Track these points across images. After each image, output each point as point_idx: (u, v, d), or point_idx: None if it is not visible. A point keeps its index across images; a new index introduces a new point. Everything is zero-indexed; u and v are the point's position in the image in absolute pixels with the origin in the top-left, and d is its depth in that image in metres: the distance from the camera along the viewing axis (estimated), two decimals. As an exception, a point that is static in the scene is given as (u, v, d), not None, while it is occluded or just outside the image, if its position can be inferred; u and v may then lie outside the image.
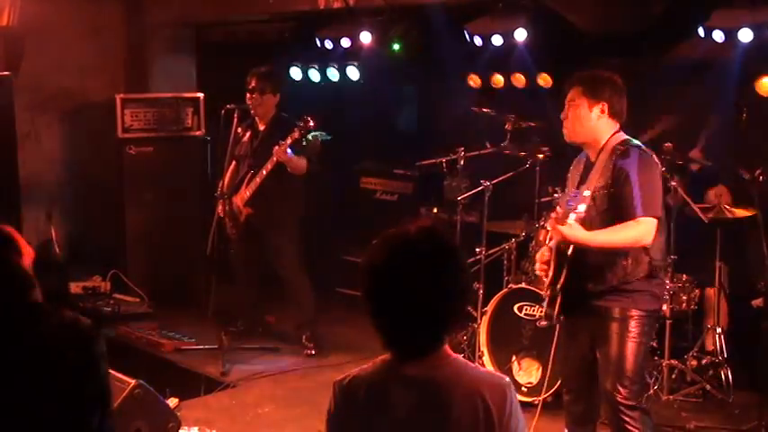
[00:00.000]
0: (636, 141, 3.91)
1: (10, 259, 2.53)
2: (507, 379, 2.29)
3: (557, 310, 3.92)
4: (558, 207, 3.99)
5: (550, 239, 3.96)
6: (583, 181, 3.96)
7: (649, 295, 3.92)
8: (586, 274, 3.87)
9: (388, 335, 2.23)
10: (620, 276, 3.83)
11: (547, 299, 3.97)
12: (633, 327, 3.84)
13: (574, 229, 3.70)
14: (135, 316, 7.06)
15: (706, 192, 5.75)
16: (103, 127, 7.69)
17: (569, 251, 3.81)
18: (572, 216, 3.72)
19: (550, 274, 3.95)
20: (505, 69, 6.85)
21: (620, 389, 3.80)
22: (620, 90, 3.94)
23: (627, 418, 3.81)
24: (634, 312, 3.85)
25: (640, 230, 3.74)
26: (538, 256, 4.11)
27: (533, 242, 5.76)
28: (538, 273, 4.10)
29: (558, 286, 3.89)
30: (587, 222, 3.77)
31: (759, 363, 5.12)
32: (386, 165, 7.56)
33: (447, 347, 2.26)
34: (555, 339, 4.36)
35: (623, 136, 3.92)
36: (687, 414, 5.22)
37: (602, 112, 3.89)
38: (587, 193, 3.76)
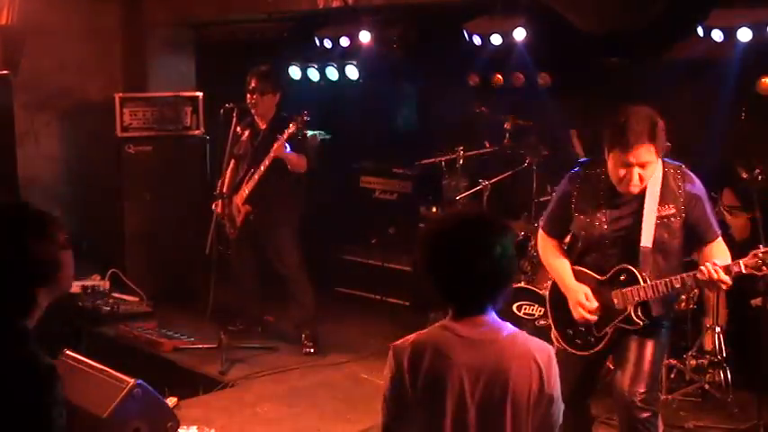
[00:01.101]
0: (667, 158, 3.82)
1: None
2: (550, 345, 2.61)
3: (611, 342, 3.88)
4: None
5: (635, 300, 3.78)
6: (625, 210, 3.78)
7: (672, 307, 3.98)
8: (659, 306, 3.80)
9: (446, 296, 2.55)
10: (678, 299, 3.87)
11: (607, 336, 3.87)
12: (656, 333, 3.83)
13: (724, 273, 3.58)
14: (134, 315, 7.05)
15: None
16: (102, 126, 7.69)
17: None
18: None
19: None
20: (504, 69, 6.85)
21: (639, 392, 3.74)
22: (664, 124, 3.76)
23: (640, 425, 3.76)
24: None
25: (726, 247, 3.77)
26: (583, 301, 3.84)
27: (532, 242, 5.76)
28: (581, 321, 3.87)
29: (634, 326, 3.79)
30: (665, 249, 3.72)
31: (758, 362, 5.12)
32: (385, 164, 7.56)
33: (495, 314, 2.56)
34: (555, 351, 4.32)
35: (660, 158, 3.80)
36: (686, 413, 5.22)
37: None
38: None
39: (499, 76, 6.96)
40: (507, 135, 6.07)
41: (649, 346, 3.80)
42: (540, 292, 5.24)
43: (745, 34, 5.36)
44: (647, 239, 3.70)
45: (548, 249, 4.05)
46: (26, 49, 7.44)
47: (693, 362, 5.50)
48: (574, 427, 4.12)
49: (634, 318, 3.76)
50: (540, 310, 5.27)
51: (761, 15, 5.31)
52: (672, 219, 3.72)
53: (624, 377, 3.79)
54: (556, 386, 2.53)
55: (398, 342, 2.56)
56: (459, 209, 2.55)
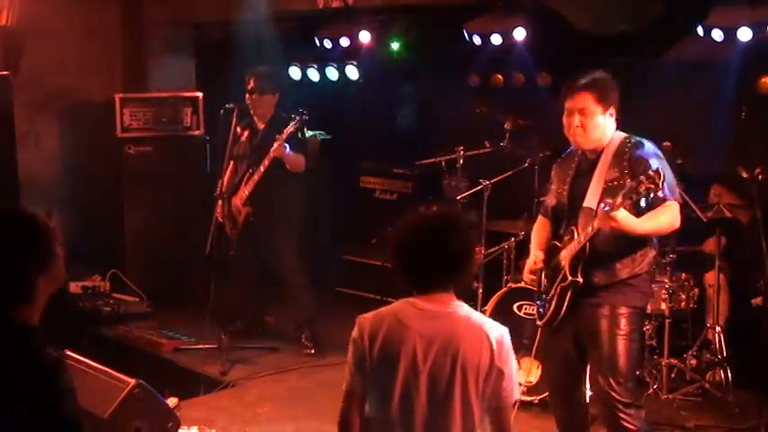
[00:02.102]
0: (636, 136, 3.94)
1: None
2: (506, 329, 2.81)
3: (564, 307, 3.95)
4: (587, 207, 3.89)
5: (573, 239, 3.91)
6: (581, 176, 3.98)
7: (640, 292, 3.95)
8: (596, 268, 3.87)
9: (410, 277, 2.80)
10: (629, 270, 3.86)
11: (554, 298, 3.98)
12: (623, 324, 3.86)
13: (628, 217, 3.67)
14: (134, 316, 7.05)
15: (709, 189, 5.74)
16: (102, 126, 7.69)
17: (587, 247, 3.82)
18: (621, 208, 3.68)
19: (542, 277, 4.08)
20: (505, 69, 6.85)
21: (615, 386, 3.80)
22: (618, 89, 3.96)
23: (623, 416, 3.81)
24: (623, 309, 3.87)
25: (674, 214, 3.80)
26: (529, 263, 4.14)
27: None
28: (526, 280, 4.20)
29: (567, 283, 3.91)
30: None
31: (758, 362, 5.12)
32: (385, 164, 7.56)
33: (455, 296, 2.81)
34: (538, 337, 4.40)
35: (621, 132, 3.97)
36: (686, 413, 5.22)
37: (611, 115, 3.92)
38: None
39: (499, 76, 6.97)
40: (507, 135, 6.06)
41: (619, 340, 3.84)
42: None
43: (745, 34, 5.36)
44: (589, 201, 3.88)
45: (534, 227, 4.34)
46: (26, 49, 7.44)
47: (694, 361, 5.51)
48: (567, 418, 4.16)
49: (567, 273, 3.90)
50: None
51: (761, 15, 5.31)
52: (616, 182, 3.82)
53: (598, 372, 3.87)
54: (507, 363, 2.73)
55: (365, 314, 2.84)
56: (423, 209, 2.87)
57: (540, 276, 4.14)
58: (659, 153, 3.92)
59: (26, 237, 2.46)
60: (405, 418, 2.72)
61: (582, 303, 3.93)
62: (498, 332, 2.76)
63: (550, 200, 4.19)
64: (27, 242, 2.46)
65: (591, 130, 3.89)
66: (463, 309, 2.81)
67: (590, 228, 3.78)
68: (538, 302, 4.22)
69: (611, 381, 3.81)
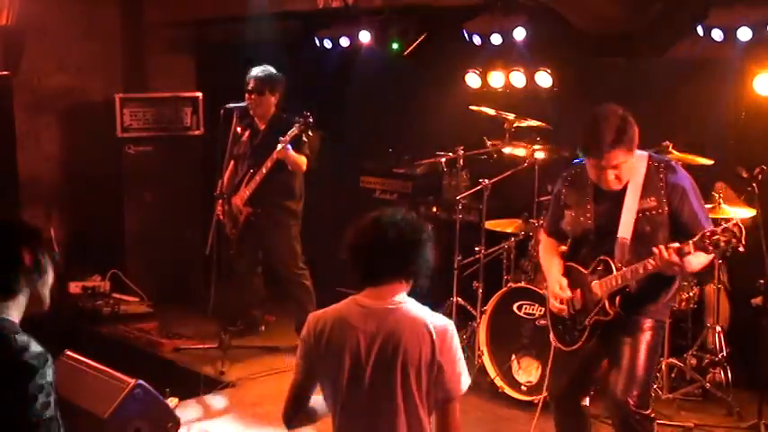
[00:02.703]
0: (655, 154, 3.87)
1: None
2: (451, 322, 2.89)
3: (596, 336, 3.90)
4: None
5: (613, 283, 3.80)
6: (606, 201, 3.84)
7: (667, 306, 3.97)
8: (642, 299, 3.81)
9: (357, 270, 2.92)
10: (670, 294, 3.86)
11: (587, 329, 3.91)
12: (648, 336, 3.83)
13: (696, 264, 3.60)
14: (134, 316, 7.06)
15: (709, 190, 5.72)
16: (102, 126, 7.69)
17: (634, 283, 3.74)
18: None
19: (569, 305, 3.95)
20: (505, 68, 6.84)
21: (634, 396, 3.76)
22: (633, 119, 3.78)
23: (638, 426, 3.77)
24: (649, 322, 3.84)
25: None
26: (557, 292, 3.95)
27: (532, 241, 5.76)
28: (553, 309, 3.99)
29: (609, 317, 3.82)
30: (648, 242, 3.67)
31: (758, 361, 5.12)
32: (386, 164, 7.55)
33: (404, 292, 2.90)
34: (551, 355, 4.31)
35: (640, 151, 3.84)
36: (687, 412, 5.23)
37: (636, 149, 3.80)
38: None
39: (499, 76, 6.95)
40: (507, 135, 6.06)
41: (642, 351, 3.81)
42: (541, 292, 5.25)
43: (745, 34, 5.35)
44: (623, 231, 3.76)
45: (543, 247, 4.20)
46: (26, 50, 7.43)
47: (694, 361, 5.51)
48: (568, 425, 4.15)
49: (608, 308, 3.81)
50: (541, 310, 5.27)
51: (761, 15, 5.31)
52: (654, 211, 3.74)
53: (618, 383, 3.81)
54: (450, 356, 2.81)
55: (315, 312, 2.98)
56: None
57: (570, 305, 3.96)
58: (688, 174, 3.83)
59: (17, 242, 2.57)
60: (352, 415, 2.85)
61: (614, 326, 3.86)
62: (442, 326, 2.82)
63: (570, 226, 3.98)
64: (16, 247, 2.56)
65: (626, 175, 3.76)
66: (407, 304, 2.87)
67: (641, 269, 3.65)
68: (559, 327, 4.06)
69: (632, 391, 3.76)
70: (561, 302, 3.93)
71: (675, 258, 3.51)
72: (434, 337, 2.79)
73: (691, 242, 3.47)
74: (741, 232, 3.37)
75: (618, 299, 3.78)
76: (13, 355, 2.42)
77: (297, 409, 3.01)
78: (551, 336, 4.11)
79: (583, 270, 3.92)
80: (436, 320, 2.85)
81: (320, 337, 2.88)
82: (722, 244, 3.40)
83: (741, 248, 3.53)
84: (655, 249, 3.57)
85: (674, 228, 3.73)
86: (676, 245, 3.54)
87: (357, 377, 2.82)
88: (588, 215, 3.88)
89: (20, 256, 2.54)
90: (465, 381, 2.85)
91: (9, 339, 2.45)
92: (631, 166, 3.74)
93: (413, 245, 2.87)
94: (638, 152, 3.81)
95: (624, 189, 3.78)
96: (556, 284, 3.96)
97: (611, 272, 3.77)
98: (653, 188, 3.75)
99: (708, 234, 3.42)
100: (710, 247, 3.42)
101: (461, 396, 2.86)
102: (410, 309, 2.87)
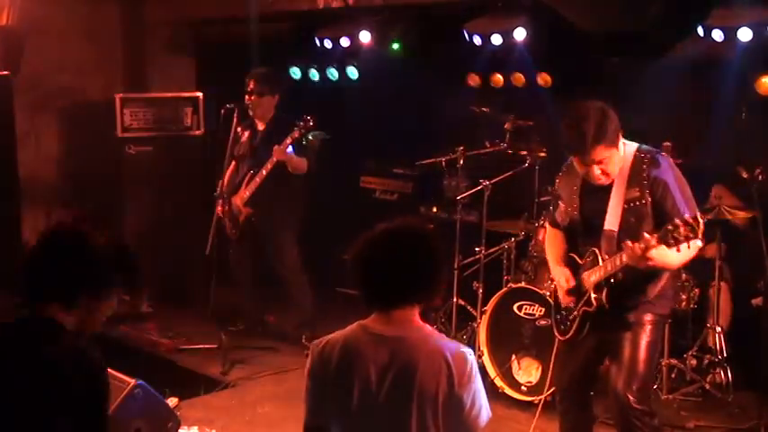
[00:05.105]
0: (645, 146, 3.88)
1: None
2: (471, 350, 2.63)
3: (587, 327, 3.91)
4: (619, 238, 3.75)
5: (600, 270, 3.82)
6: (592, 193, 3.87)
7: (667, 299, 3.96)
8: (626, 292, 3.82)
9: (368, 293, 2.64)
10: (657, 289, 3.85)
11: (578, 318, 3.94)
12: (649, 331, 3.84)
13: (663, 255, 3.56)
14: (135, 316, 7.05)
15: (709, 190, 5.73)
16: (103, 126, 7.69)
17: (613, 276, 3.76)
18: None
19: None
20: (505, 69, 6.85)
21: (634, 392, 3.78)
22: (614, 112, 3.78)
23: (637, 422, 3.79)
24: (649, 317, 3.85)
25: (698, 246, 3.69)
26: (562, 283, 3.99)
27: (533, 241, 5.77)
28: (564, 303, 4.02)
29: (593, 308, 3.85)
30: (634, 234, 3.66)
31: (759, 362, 5.12)
32: (386, 164, 7.56)
33: (417, 317, 2.63)
34: (555, 349, 4.33)
35: (630, 142, 3.87)
36: (687, 413, 5.23)
37: (620, 141, 3.80)
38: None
39: (499, 76, 6.96)
40: (507, 135, 6.06)
41: (642, 347, 3.83)
42: (541, 292, 5.25)
43: (745, 34, 5.36)
44: (610, 223, 3.80)
45: (547, 238, 4.27)
46: (26, 49, 7.43)
47: (694, 361, 5.51)
48: (574, 422, 4.16)
49: (592, 299, 3.84)
50: (541, 310, 5.27)
51: (761, 15, 5.31)
52: (637, 202, 3.76)
53: (618, 378, 3.83)
54: (469, 389, 2.55)
55: (317, 341, 2.72)
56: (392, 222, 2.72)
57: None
58: (674, 167, 3.84)
59: (85, 254, 2.54)
60: None
61: (606, 318, 3.87)
62: (460, 356, 2.56)
63: (561, 218, 4.05)
64: (85, 259, 2.53)
65: (613, 170, 3.79)
66: (421, 331, 2.61)
67: (618, 260, 3.68)
68: (557, 316, 4.12)
69: (632, 386, 3.78)
70: (568, 294, 3.97)
71: (639, 252, 3.52)
72: (453, 368, 2.52)
73: (655, 236, 3.49)
74: (698, 226, 3.36)
75: (605, 291, 3.81)
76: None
77: None
78: (553, 326, 4.18)
79: (579, 260, 3.98)
80: (453, 349, 2.57)
81: (327, 367, 2.61)
82: (681, 238, 3.38)
83: (700, 243, 3.51)
84: (623, 245, 3.63)
85: (659, 220, 3.72)
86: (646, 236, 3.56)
87: (367, 412, 2.55)
88: (575, 205, 3.95)
89: (85, 273, 2.53)
90: (485, 414, 2.60)
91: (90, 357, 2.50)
92: (618, 160, 3.78)
93: (429, 267, 2.62)
94: (628, 143, 3.84)
95: (612, 182, 3.82)
96: (562, 277, 3.99)
97: (598, 263, 3.83)
98: (637, 180, 3.78)
99: (670, 228, 3.42)
100: (671, 241, 3.41)
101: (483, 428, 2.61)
102: (425, 336, 2.59)
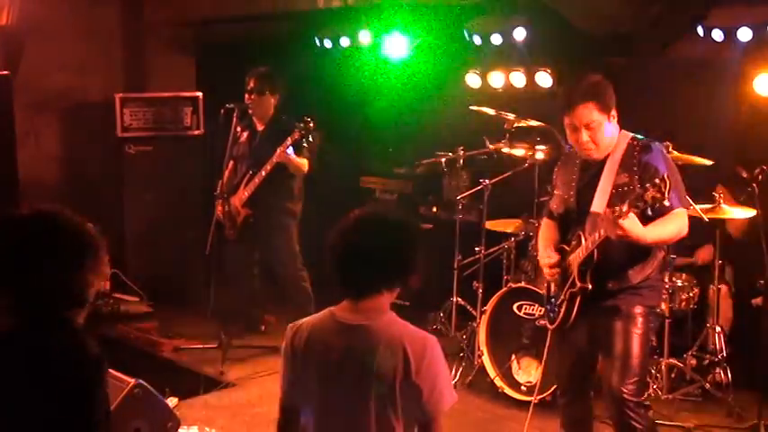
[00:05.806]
0: (641, 136, 3.90)
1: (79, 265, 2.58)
2: (433, 336, 2.66)
3: (574, 312, 3.92)
4: (600, 208, 3.80)
5: (579, 246, 3.86)
6: (588, 180, 3.91)
7: (655, 291, 3.97)
8: (608, 274, 3.84)
9: (341, 278, 2.70)
10: (641, 275, 3.85)
11: (564, 303, 3.96)
12: (639, 323, 3.84)
13: (635, 224, 3.59)
14: (134, 315, 7.05)
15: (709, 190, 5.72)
16: (103, 126, 7.69)
17: (595, 254, 3.78)
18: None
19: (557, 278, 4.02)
20: (505, 68, 6.85)
21: (627, 385, 3.79)
22: (612, 87, 3.89)
23: (633, 415, 3.80)
24: (639, 309, 3.86)
25: (681, 223, 3.76)
26: (545, 260, 4.05)
27: (533, 241, 5.76)
28: (548, 277, 4.06)
29: (576, 288, 3.88)
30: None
31: (759, 362, 5.12)
32: (385, 164, 7.56)
33: (387, 305, 2.69)
34: (548, 340, 4.36)
35: (626, 131, 3.91)
36: (687, 413, 5.23)
37: (613, 117, 3.86)
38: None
39: (499, 76, 6.96)
40: (507, 135, 6.06)
41: (634, 340, 3.83)
42: (541, 292, 5.25)
43: (745, 34, 5.36)
44: (597, 206, 3.83)
45: (541, 229, 4.29)
46: (26, 50, 7.43)
47: (694, 361, 5.51)
48: (575, 415, 4.17)
49: (577, 280, 3.87)
50: (541, 310, 5.27)
51: (761, 15, 5.31)
52: (626, 187, 3.77)
53: (612, 373, 3.84)
54: (427, 375, 2.58)
55: (294, 323, 2.79)
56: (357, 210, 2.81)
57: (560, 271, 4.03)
58: (667, 156, 3.88)
59: (85, 243, 2.64)
60: None
61: (595, 306, 3.89)
62: (419, 343, 2.60)
63: (556, 206, 4.10)
64: (87, 249, 2.63)
65: (602, 140, 3.82)
66: (384, 319, 2.66)
67: (597, 234, 3.73)
68: (547, 306, 4.17)
69: (624, 379, 3.79)
70: (550, 267, 4.01)
71: (611, 217, 3.55)
72: (410, 355, 2.57)
73: (627, 202, 3.52)
74: (666, 186, 3.38)
75: (589, 272, 3.83)
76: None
77: (289, 427, 2.82)
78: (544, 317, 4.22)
79: (566, 248, 4.01)
80: (414, 336, 2.62)
81: (296, 351, 2.71)
82: (649, 199, 3.42)
83: (666, 203, 3.49)
84: (601, 214, 3.67)
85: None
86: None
87: (328, 396, 2.64)
88: (571, 192, 3.98)
89: (90, 262, 2.63)
90: (448, 399, 2.63)
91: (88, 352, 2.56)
92: (611, 139, 3.82)
93: (398, 252, 2.66)
94: (625, 132, 3.88)
95: (603, 166, 3.85)
96: (545, 256, 4.06)
97: (581, 244, 3.86)
98: (628, 165, 3.80)
99: (639, 192, 3.47)
100: (640, 204, 3.45)
101: (446, 411, 2.64)
102: (386, 324, 2.64)
